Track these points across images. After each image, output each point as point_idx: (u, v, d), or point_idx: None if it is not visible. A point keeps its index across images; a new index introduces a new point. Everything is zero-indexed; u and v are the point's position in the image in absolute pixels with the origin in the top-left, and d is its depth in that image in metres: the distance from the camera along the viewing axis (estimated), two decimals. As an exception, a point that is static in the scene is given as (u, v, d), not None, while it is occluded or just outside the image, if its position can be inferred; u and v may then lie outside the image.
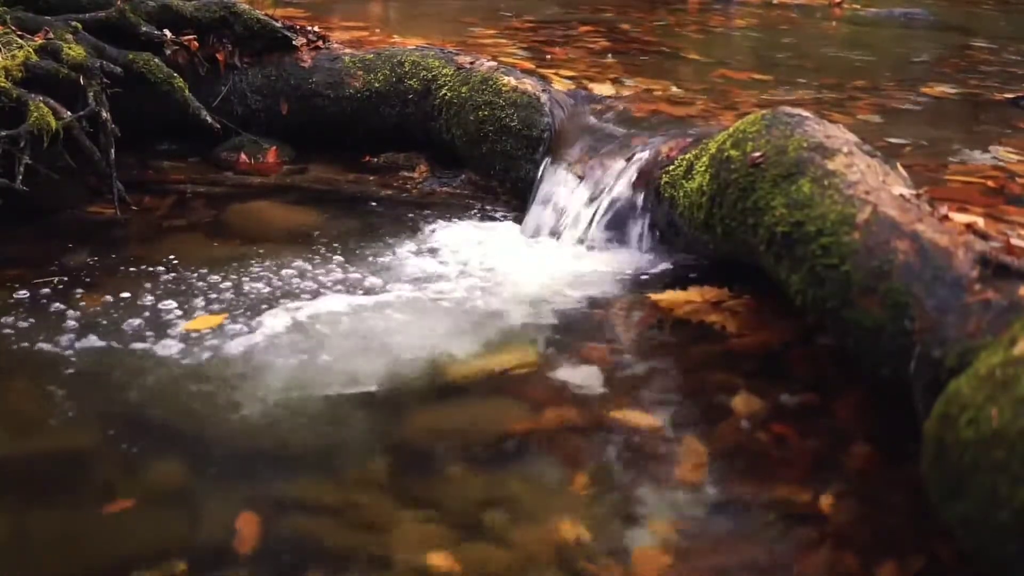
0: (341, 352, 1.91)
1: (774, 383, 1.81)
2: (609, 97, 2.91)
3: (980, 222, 1.65)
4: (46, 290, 2.10)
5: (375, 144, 2.95)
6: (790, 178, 1.84)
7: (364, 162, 2.92)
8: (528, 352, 1.95)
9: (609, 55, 3.80)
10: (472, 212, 2.65)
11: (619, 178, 2.41)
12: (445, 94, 2.83)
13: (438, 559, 1.38)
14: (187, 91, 2.79)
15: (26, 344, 1.90)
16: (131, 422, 1.69)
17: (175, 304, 2.06)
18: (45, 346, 1.89)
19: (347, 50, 3.05)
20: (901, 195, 1.72)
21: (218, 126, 2.84)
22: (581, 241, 2.40)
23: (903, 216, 1.64)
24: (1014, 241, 1.57)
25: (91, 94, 2.55)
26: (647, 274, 2.28)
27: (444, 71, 2.87)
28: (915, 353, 1.48)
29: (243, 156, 2.92)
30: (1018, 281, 1.43)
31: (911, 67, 4.05)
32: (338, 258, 2.32)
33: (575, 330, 2.05)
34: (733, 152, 2.00)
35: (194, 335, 1.94)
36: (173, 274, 2.20)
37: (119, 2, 2.81)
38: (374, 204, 2.70)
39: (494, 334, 2.00)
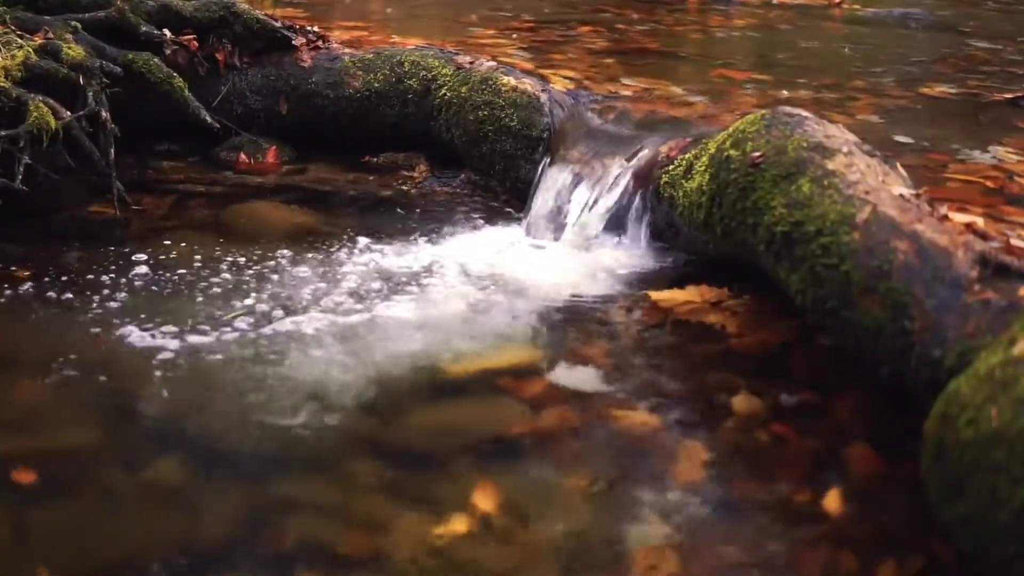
0: (340, 352, 1.91)
1: (774, 383, 1.81)
2: (609, 97, 2.91)
3: (980, 222, 1.65)
4: (46, 289, 2.10)
5: (375, 144, 2.95)
6: (790, 178, 1.84)
7: (364, 162, 2.92)
8: (528, 352, 1.95)
9: (609, 55, 3.79)
10: (472, 212, 2.65)
11: (619, 178, 2.41)
12: (445, 94, 2.83)
13: (437, 559, 1.38)
14: (187, 91, 2.79)
15: (26, 343, 1.90)
16: (127, 417, 1.70)
17: (174, 303, 2.06)
18: (45, 345, 1.89)
19: (347, 50, 3.04)
20: (901, 195, 1.72)
21: (218, 126, 2.84)
22: (581, 241, 2.40)
23: (903, 216, 1.64)
24: (1014, 241, 1.57)
25: (91, 94, 2.54)
26: (647, 274, 2.27)
27: (444, 71, 2.87)
28: (915, 353, 1.48)
29: (243, 156, 2.92)
30: (1018, 281, 1.44)
31: (911, 67, 4.05)
32: (337, 258, 2.32)
33: (575, 330, 2.05)
34: (733, 152, 2.00)
35: (191, 335, 1.94)
36: (172, 274, 2.20)
37: (119, 2, 2.81)
38: (374, 204, 2.70)
39: (493, 334, 2.00)
